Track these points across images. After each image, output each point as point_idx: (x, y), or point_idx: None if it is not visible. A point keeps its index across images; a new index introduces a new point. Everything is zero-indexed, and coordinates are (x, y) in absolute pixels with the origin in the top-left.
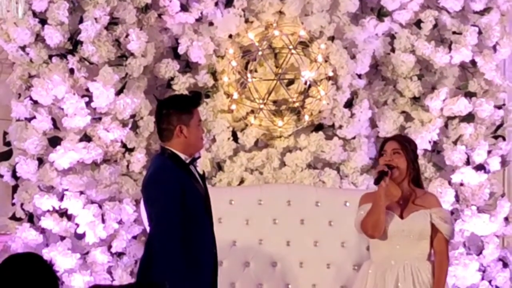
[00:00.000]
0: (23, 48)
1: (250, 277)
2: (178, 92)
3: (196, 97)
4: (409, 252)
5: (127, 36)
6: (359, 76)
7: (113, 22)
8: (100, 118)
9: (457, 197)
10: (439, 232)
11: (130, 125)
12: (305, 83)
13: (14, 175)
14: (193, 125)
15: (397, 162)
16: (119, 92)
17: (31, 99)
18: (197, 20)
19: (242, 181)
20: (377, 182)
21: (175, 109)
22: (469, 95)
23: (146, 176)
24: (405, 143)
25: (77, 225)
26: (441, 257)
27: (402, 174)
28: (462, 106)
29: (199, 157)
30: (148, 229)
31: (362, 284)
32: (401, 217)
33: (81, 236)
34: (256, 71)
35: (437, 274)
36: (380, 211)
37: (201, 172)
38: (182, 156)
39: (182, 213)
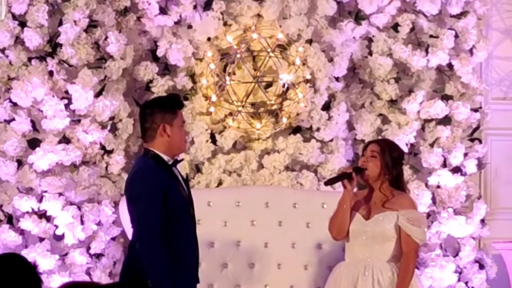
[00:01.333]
0: (2, 50)
1: (228, 278)
2: (157, 95)
3: (180, 99)
4: (373, 252)
5: (106, 38)
6: (337, 79)
7: (92, 24)
8: (79, 120)
9: (433, 199)
10: (406, 234)
11: (109, 127)
12: (283, 86)
13: None
14: (177, 125)
15: (371, 165)
16: (98, 94)
17: (10, 101)
18: (175, 23)
19: (220, 183)
20: (329, 182)
21: (160, 108)
22: (446, 98)
23: (129, 176)
24: (384, 147)
25: (56, 226)
26: (406, 259)
27: (374, 177)
28: (439, 109)
29: (182, 159)
30: (129, 231)
31: (332, 284)
32: (367, 218)
33: (60, 238)
34: (234, 73)
35: (400, 276)
36: (344, 214)
37: (184, 175)
38: (165, 157)
39: (164, 213)
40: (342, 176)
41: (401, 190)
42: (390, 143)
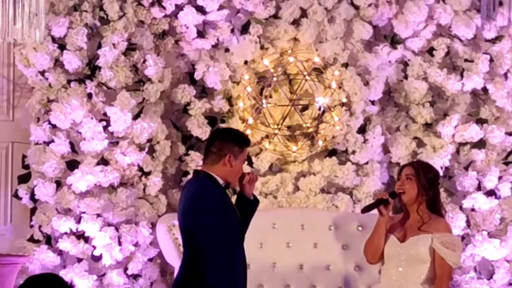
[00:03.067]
0: (42, 73)
1: None
2: (194, 117)
3: (248, 139)
4: (408, 275)
5: (144, 61)
6: (372, 102)
7: (131, 48)
8: (117, 142)
9: (468, 222)
10: (441, 257)
11: (146, 149)
12: (319, 109)
13: (32, 197)
14: (240, 160)
15: (407, 188)
16: (136, 117)
17: (49, 123)
18: (213, 46)
19: None
20: (366, 209)
21: (232, 139)
22: (481, 121)
23: (189, 196)
24: (419, 169)
25: (94, 247)
26: (440, 282)
27: (411, 200)
28: (473, 132)
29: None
30: (167, 252)
31: None
32: (402, 240)
33: (97, 258)
34: (271, 96)
35: None
36: (380, 239)
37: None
38: (220, 180)
39: (227, 227)
40: (378, 202)
41: (438, 211)
42: (425, 164)
